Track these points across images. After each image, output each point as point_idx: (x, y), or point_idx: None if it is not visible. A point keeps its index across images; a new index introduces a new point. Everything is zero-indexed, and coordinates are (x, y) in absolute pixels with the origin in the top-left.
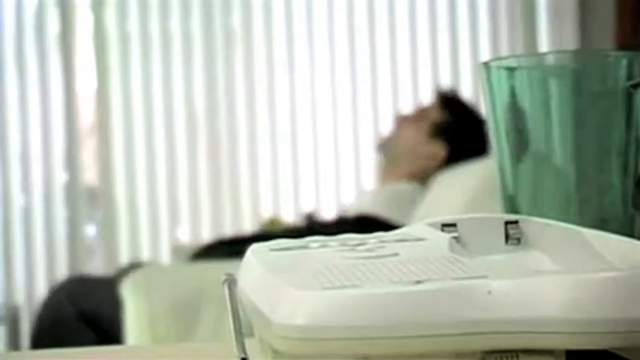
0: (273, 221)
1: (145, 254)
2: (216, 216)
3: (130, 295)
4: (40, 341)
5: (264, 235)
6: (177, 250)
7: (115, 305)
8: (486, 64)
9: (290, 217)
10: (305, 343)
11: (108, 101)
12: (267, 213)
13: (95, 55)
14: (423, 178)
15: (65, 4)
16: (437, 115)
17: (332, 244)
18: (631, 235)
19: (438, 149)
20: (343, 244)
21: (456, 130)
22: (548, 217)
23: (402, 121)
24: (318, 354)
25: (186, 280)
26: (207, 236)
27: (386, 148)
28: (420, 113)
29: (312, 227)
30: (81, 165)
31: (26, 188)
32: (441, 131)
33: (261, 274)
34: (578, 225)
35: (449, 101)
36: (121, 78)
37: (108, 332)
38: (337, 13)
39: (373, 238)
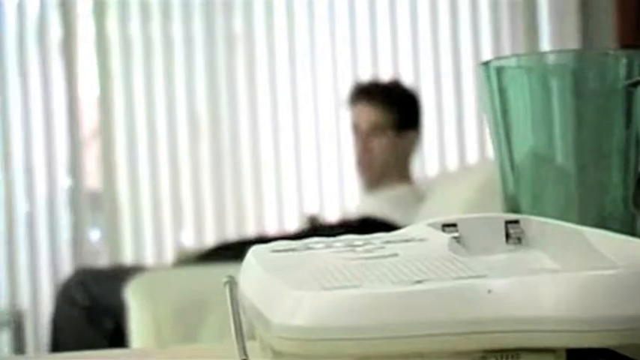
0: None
1: (149, 258)
2: (219, 219)
3: (134, 298)
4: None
5: (267, 238)
6: (181, 253)
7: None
8: (486, 64)
9: (292, 220)
10: (304, 343)
11: (110, 106)
12: (270, 216)
13: (97, 59)
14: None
15: (67, 9)
16: (387, 116)
17: (332, 245)
18: (632, 233)
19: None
20: (343, 245)
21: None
22: (549, 217)
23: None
24: (317, 354)
25: (190, 283)
26: (210, 240)
27: (367, 167)
28: (371, 126)
29: (315, 230)
30: (84, 170)
31: (30, 193)
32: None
33: (261, 275)
34: (578, 224)
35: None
36: (123, 82)
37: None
38: (339, 15)
39: (373, 238)
